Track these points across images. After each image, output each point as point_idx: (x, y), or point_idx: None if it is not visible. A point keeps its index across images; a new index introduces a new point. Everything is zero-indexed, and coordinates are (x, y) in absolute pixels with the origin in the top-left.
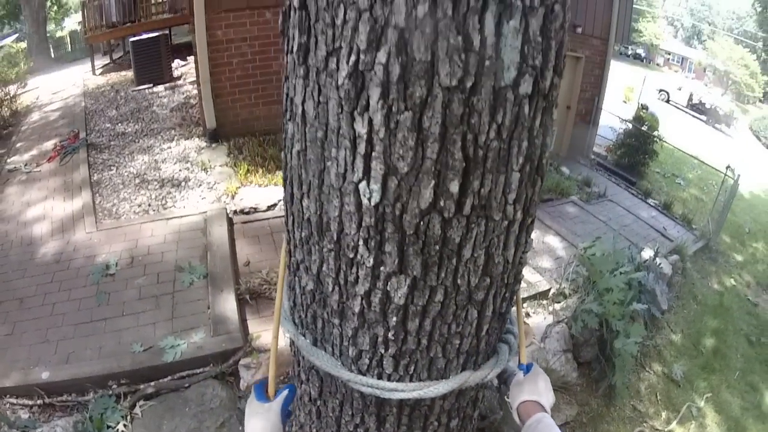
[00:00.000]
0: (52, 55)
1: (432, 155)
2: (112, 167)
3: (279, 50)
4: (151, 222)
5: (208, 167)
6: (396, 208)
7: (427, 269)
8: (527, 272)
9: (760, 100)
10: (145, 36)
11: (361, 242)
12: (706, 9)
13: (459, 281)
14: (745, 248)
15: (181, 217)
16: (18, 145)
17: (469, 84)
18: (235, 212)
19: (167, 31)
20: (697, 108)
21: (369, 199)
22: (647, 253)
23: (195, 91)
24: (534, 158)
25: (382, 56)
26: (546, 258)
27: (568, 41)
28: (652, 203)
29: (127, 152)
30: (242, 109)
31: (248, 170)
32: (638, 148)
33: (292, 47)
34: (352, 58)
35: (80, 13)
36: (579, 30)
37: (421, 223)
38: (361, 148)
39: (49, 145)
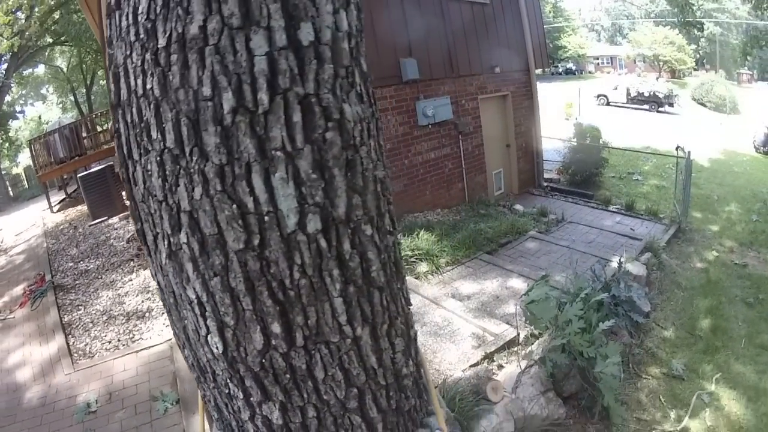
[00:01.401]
0: (11, 194)
1: (248, 306)
2: (80, 306)
3: None
4: (122, 357)
5: None
6: (240, 351)
7: (289, 394)
8: (491, 325)
9: (694, 68)
10: (92, 170)
11: (228, 380)
12: (620, 3)
13: (325, 397)
14: (718, 216)
15: (149, 348)
16: None
17: (256, 242)
18: None
19: (112, 162)
20: (637, 100)
21: (217, 348)
22: (614, 265)
23: None
24: (356, 278)
25: (183, 237)
26: (511, 303)
27: (490, 82)
28: (614, 209)
29: (92, 290)
30: None
31: None
32: (587, 161)
33: (135, 230)
34: (165, 241)
35: (28, 148)
36: (497, 70)
37: (264, 360)
38: (197, 310)
39: (18, 290)
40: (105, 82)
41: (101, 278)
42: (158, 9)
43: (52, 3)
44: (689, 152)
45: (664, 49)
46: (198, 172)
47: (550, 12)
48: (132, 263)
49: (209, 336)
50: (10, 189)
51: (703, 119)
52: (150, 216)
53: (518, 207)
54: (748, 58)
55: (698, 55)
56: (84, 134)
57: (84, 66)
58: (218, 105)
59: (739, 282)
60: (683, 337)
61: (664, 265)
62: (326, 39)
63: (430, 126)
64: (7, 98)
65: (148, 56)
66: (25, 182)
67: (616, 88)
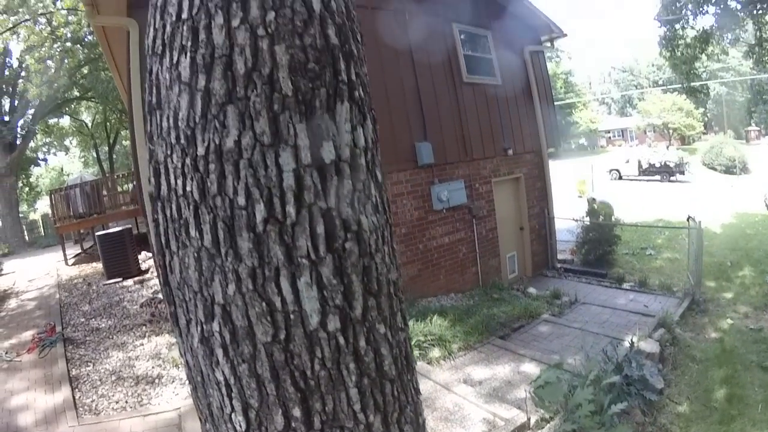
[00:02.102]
0: (26, 239)
1: (272, 392)
2: (89, 363)
3: None
4: (129, 418)
5: (179, 363)
6: (261, 431)
7: None
8: (502, 410)
9: (703, 132)
10: (110, 231)
11: None
12: (628, 73)
13: None
14: (732, 282)
15: (157, 413)
16: None
17: (282, 336)
18: None
19: (130, 226)
20: (649, 171)
21: (240, 426)
22: (627, 344)
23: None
24: (370, 371)
25: (216, 326)
26: (523, 388)
27: (503, 165)
28: (627, 287)
29: (102, 348)
30: None
31: None
32: (600, 240)
33: (168, 312)
34: (199, 327)
35: (49, 199)
36: (510, 152)
37: None
38: (224, 390)
39: (27, 335)
40: (128, 143)
41: (112, 338)
42: (197, 118)
43: (82, 58)
44: (699, 222)
45: (672, 117)
46: (232, 272)
47: (561, 87)
48: (144, 328)
49: (233, 414)
50: (26, 234)
51: (714, 183)
52: (184, 302)
53: (532, 290)
54: (754, 114)
55: (706, 118)
56: (104, 192)
57: (108, 124)
58: (251, 214)
59: (755, 347)
60: (698, 411)
61: (677, 340)
62: (345, 156)
63: (444, 210)
64: (31, 144)
65: (188, 161)
66: (42, 229)
67: (627, 162)
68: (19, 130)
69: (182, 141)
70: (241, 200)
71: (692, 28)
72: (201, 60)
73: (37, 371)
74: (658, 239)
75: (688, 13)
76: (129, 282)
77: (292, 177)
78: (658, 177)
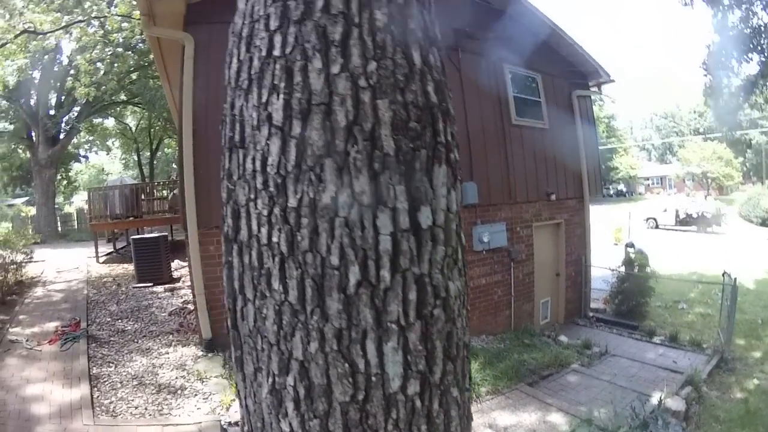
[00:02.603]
0: (59, 230)
1: None
2: (111, 364)
3: None
4: (147, 426)
5: (204, 377)
6: None
7: None
8: None
9: (741, 183)
10: (147, 236)
11: None
12: (670, 120)
13: None
14: (761, 342)
15: (177, 425)
16: (21, 317)
17: (360, 397)
18: (229, 424)
19: (166, 233)
20: (685, 222)
21: None
22: (655, 401)
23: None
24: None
25: (290, 380)
26: None
27: (545, 210)
28: (657, 341)
29: (126, 351)
30: None
31: None
32: (634, 291)
33: (232, 355)
34: (270, 378)
35: (87, 195)
36: (553, 197)
37: None
38: None
39: (50, 326)
40: (170, 151)
41: (137, 342)
42: (289, 167)
43: (132, 64)
44: (735, 279)
45: (712, 166)
46: (317, 330)
47: (603, 132)
48: (171, 337)
49: None
50: (59, 225)
51: (750, 236)
52: (255, 351)
53: (563, 338)
54: None
55: (745, 168)
56: (143, 197)
57: (152, 130)
58: (344, 275)
59: None
60: None
61: (703, 399)
62: (440, 221)
63: (484, 252)
64: (74, 140)
65: (276, 210)
66: (75, 223)
67: (665, 211)
68: (63, 125)
69: (271, 188)
70: (334, 260)
71: (737, 76)
72: (297, 105)
73: (57, 364)
74: (691, 293)
75: (734, 61)
76: (159, 288)
77: (389, 241)
78: (694, 227)
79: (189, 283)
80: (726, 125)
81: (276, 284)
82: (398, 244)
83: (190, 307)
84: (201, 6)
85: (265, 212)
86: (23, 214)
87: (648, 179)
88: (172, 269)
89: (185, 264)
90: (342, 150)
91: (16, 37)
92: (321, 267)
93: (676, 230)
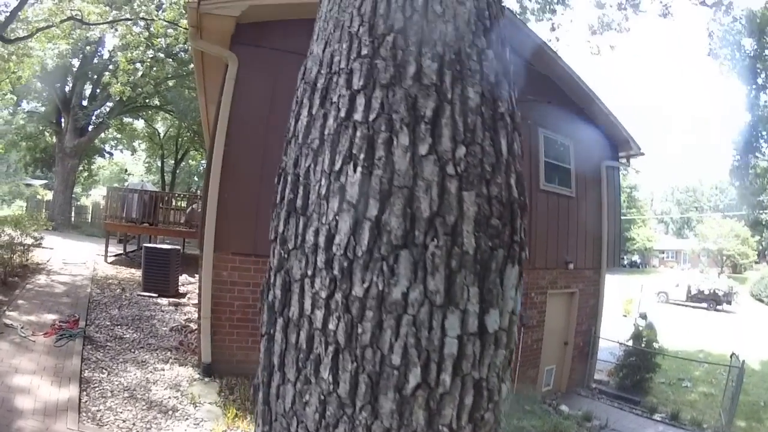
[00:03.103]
0: (72, 221)
1: None
2: (104, 370)
3: None
4: None
5: (198, 402)
6: None
7: None
8: None
9: (756, 262)
10: (159, 246)
11: None
12: (691, 194)
13: None
14: (762, 424)
15: None
16: (19, 302)
17: None
18: None
19: (179, 246)
20: (697, 298)
21: None
22: None
23: (197, 315)
24: None
25: None
26: None
27: (561, 278)
28: (658, 418)
29: (121, 360)
30: (238, 351)
31: (236, 415)
32: (640, 365)
33: (259, 429)
34: None
35: (106, 193)
36: (571, 266)
37: None
38: None
39: (48, 318)
40: (194, 163)
41: (134, 353)
42: (359, 251)
43: (171, 70)
44: (743, 362)
45: (728, 243)
46: (364, 427)
47: (624, 202)
48: (169, 354)
49: None
50: (73, 215)
51: (760, 316)
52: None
53: (564, 408)
54: None
55: (761, 246)
56: (161, 205)
57: (180, 140)
58: (403, 375)
59: None
60: None
61: None
62: (505, 324)
63: None
64: (102, 135)
65: (338, 297)
66: (90, 217)
67: (677, 286)
68: (94, 118)
69: (335, 270)
70: (396, 359)
71: (765, 159)
72: (377, 183)
73: (49, 358)
74: (696, 371)
75: (762, 143)
76: (163, 300)
77: (455, 344)
78: (704, 304)
79: (194, 301)
80: (749, 205)
81: (325, 373)
82: (463, 347)
83: (193, 326)
84: (250, 28)
85: (323, 294)
86: (39, 197)
87: (663, 252)
88: (180, 284)
89: (193, 280)
90: (421, 242)
91: (62, 22)
92: (380, 365)
93: (686, 306)
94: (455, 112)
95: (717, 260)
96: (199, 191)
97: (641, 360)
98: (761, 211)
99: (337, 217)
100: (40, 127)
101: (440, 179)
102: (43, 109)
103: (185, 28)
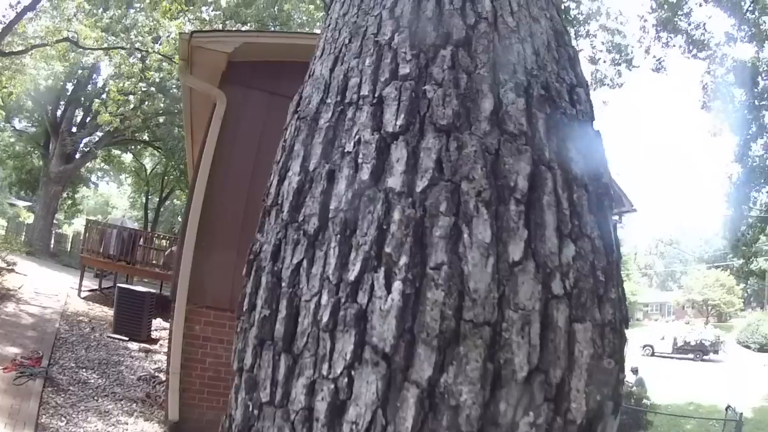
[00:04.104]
0: (51, 248)
1: None
2: (63, 417)
3: None
4: None
5: None
6: None
7: None
8: None
9: (741, 309)
10: (133, 288)
11: None
12: (675, 247)
13: None
14: None
15: None
16: None
17: None
18: None
19: (155, 290)
20: (683, 349)
21: None
22: None
23: (166, 365)
24: None
25: None
26: None
27: None
28: None
29: (83, 407)
30: (209, 410)
31: None
32: (631, 425)
33: None
34: None
35: (85, 224)
36: None
37: None
38: None
39: (10, 351)
40: (178, 202)
41: (97, 401)
42: None
43: (162, 106)
44: (741, 415)
45: (714, 293)
46: None
47: None
48: (135, 406)
49: None
50: (52, 242)
51: (748, 363)
52: None
53: None
54: None
55: (746, 294)
56: (140, 243)
57: (166, 178)
58: None
59: None
60: None
61: None
62: None
63: None
64: (88, 164)
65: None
66: (68, 246)
67: (663, 338)
68: (82, 146)
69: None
70: None
71: (758, 209)
72: (434, 316)
73: (5, 397)
74: (687, 424)
75: (755, 193)
76: (134, 345)
77: None
78: (691, 355)
79: (166, 349)
80: (742, 256)
81: None
82: None
83: (162, 377)
84: (242, 67)
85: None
86: (21, 219)
87: (647, 305)
88: (153, 328)
89: (167, 326)
90: (509, 421)
91: (57, 42)
92: None
93: (672, 358)
94: (557, 184)
95: (702, 311)
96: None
97: (633, 419)
98: (753, 260)
99: (352, 372)
100: (28, 148)
101: (542, 306)
102: (32, 129)
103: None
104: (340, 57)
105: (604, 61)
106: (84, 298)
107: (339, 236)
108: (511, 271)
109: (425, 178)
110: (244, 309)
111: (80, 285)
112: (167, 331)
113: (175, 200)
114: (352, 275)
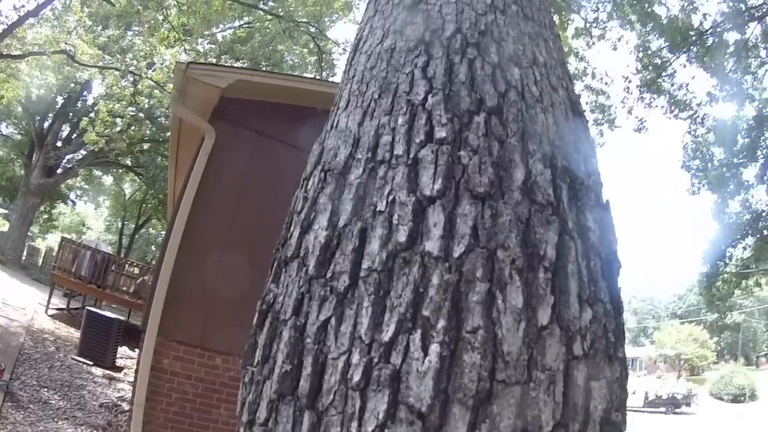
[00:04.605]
0: (23, 260)
1: None
2: None
3: (222, 399)
4: None
5: None
6: None
7: None
8: None
9: (714, 362)
10: (102, 313)
11: None
12: (648, 303)
13: None
14: None
15: None
16: None
17: None
18: None
19: (123, 318)
20: (654, 403)
21: None
22: None
23: (131, 395)
24: None
25: None
26: None
27: None
28: None
29: (42, 428)
30: None
31: None
32: None
33: None
34: None
35: (60, 241)
36: None
37: None
38: None
39: None
40: (154, 231)
41: (56, 423)
42: None
43: (148, 133)
44: None
45: (686, 348)
46: None
47: None
48: None
49: None
50: (25, 255)
51: (720, 414)
52: None
53: None
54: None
55: (719, 347)
56: (113, 268)
57: (144, 206)
58: None
59: None
60: None
61: None
62: None
63: None
64: (69, 180)
65: None
66: (41, 261)
67: (634, 392)
68: (65, 161)
69: None
70: None
71: (733, 264)
72: (471, 378)
73: None
74: None
75: (731, 249)
76: (98, 371)
77: None
78: (662, 409)
79: (131, 378)
80: (718, 311)
81: None
82: None
83: (125, 407)
84: (233, 103)
85: None
86: None
87: None
88: (118, 355)
89: (133, 355)
90: None
91: (54, 53)
92: None
93: (643, 412)
94: (578, 253)
95: (675, 365)
96: (153, 262)
97: None
98: (728, 314)
99: (385, 431)
100: (12, 155)
101: (566, 366)
102: (18, 137)
103: (171, 93)
104: (369, 112)
105: (588, 121)
106: (51, 316)
107: (372, 296)
108: (539, 335)
109: (462, 244)
110: (256, 360)
111: (48, 302)
112: (132, 360)
113: (150, 229)
114: (386, 336)
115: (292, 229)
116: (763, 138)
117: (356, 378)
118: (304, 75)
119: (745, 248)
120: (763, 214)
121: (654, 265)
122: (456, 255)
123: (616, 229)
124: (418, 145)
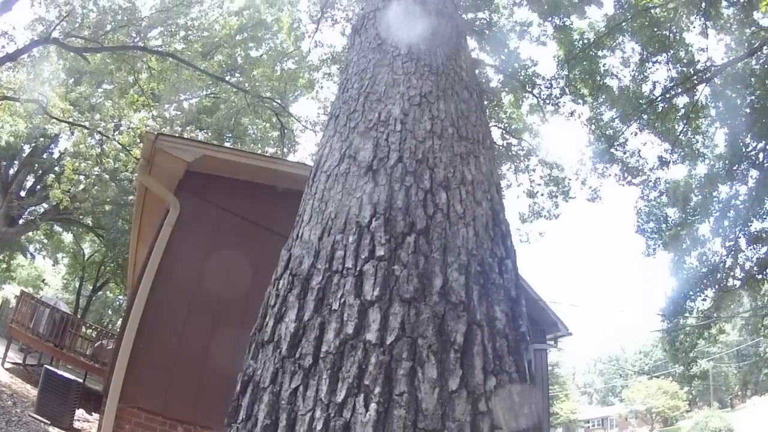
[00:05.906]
0: None
1: None
2: None
3: None
4: None
5: None
6: None
7: None
8: None
9: (687, 411)
10: (60, 372)
11: None
12: (614, 363)
13: None
14: None
15: None
16: None
17: None
18: None
19: (81, 379)
20: None
21: None
22: None
23: None
24: None
25: None
26: None
27: None
28: None
29: None
30: None
31: None
32: None
33: None
34: None
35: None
36: None
37: None
38: None
39: None
40: (111, 295)
41: None
42: None
43: (111, 196)
44: None
45: (657, 401)
46: None
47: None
48: None
49: None
50: None
51: None
52: None
53: None
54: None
55: (691, 395)
56: (70, 329)
57: (103, 268)
58: None
59: None
60: None
61: None
62: None
63: None
64: (30, 233)
65: None
66: None
67: None
68: (27, 213)
69: None
70: None
71: (694, 316)
72: (399, 426)
73: None
74: None
75: (690, 302)
76: (55, 431)
77: None
78: None
79: None
80: (681, 364)
81: None
82: None
83: None
84: (198, 177)
85: None
86: None
87: (588, 422)
88: (76, 418)
89: (91, 419)
90: None
91: (26, 101)
92: None
93: None
94: (484, 337)
95: (647, 419)
96: (110, 326)
97: None
98: (693, 365)
99: None
100: None
101: (473, 419)
102: None
103: (136, 158)
104: (327, 229)
105: (542, 194)
106: (8, 370)
107: (329, 371)
108: (450, 397)
109: (393, 335)
110: (241, 418)
111: (5, 355)
112: (89, 424)
113: (108, 293)
114: (339, 398)
115: (267, 319)
116: (715, 193)
117: (319, 428)
118: (266, 149)
119: (704, 299)
120: (720, 265)
121: (618, 326)
122: (389, 342)
123: (524, 315)
124: (363, 260)
